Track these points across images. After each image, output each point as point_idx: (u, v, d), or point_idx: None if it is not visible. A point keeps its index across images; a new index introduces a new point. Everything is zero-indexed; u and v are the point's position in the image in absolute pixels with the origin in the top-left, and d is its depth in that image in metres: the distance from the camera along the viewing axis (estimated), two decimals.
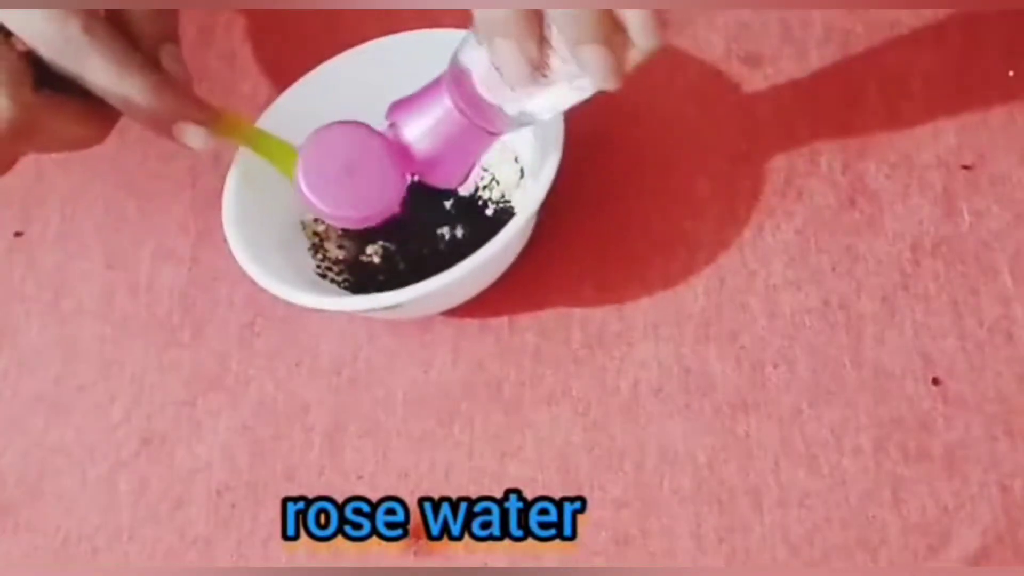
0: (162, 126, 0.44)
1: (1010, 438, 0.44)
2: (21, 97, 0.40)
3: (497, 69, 0.42)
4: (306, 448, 0.50)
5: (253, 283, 0.49)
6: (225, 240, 0.50)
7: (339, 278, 0.53)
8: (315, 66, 0.54)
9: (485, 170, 0.54)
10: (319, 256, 0.53)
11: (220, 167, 0.53)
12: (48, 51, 0.41)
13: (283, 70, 0.55)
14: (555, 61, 0.41)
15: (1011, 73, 0.52)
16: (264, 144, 0.49)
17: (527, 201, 0.47)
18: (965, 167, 0.50)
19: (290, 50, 0.62)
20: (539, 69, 0.41)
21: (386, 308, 0.48)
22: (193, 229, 0.57)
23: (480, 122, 0.44)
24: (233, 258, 0.49)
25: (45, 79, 0.42)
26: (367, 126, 0.46)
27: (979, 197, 0.49)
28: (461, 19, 0.52)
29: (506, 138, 0.53)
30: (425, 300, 0.48)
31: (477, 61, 0.43)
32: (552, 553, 0.45)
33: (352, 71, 0.54)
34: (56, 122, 0.42)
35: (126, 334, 0.55)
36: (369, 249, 0.54)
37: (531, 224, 0.48)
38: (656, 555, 0.44)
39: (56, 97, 0.42)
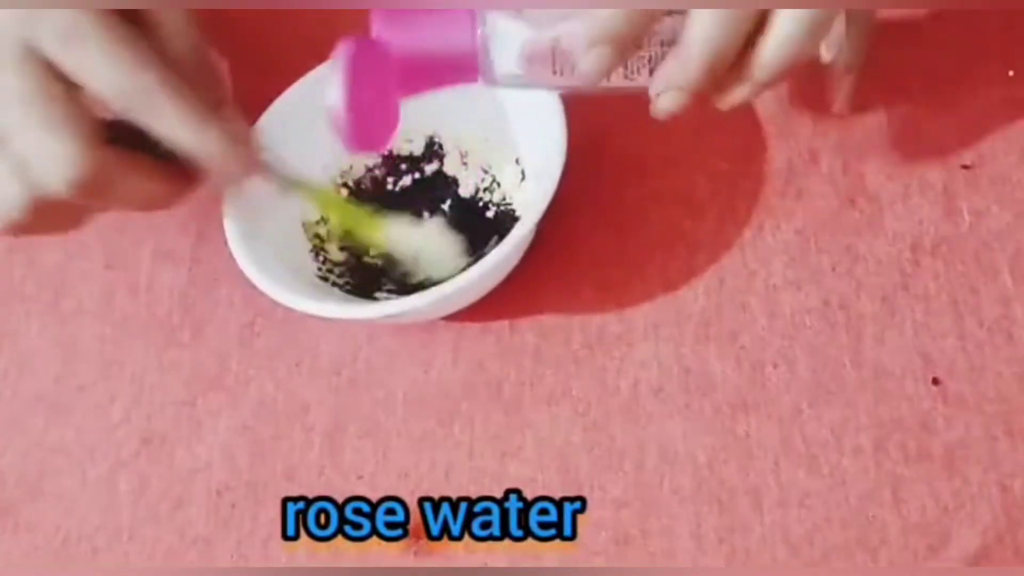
0: (236, 178, 0.43)
1: (1010, 438, 0.44)
2: (93, 150, 0.38)
3: (561, 53, 0.41)
4: (306, 448, 0.50)
5: (253, 283, 0.49)
6: (225, 240, 0.50)
7: (340, 280, 0.53)
8: (315, 66, 0.54)
9: (486, 171, 0.54)
10: (320, 259, 0.53)
11: None
12: (121, 102, 0.39)
13: (283, 70, 0.55)
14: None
15: (1011, 73, 0.52)
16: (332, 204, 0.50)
17: (530, 206, 0.47)
18: (965, 167, 0.50)
19: (290, 50, 0.62)
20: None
21: (387, 317, 0.48)
22: (193, 229, 0.57)
23: (476, 73, 0.42)
24: (233, 258, 0.49)
25: (115, 136, 0.41)
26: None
27: (979, 197, 0.49)
28: None
29: (508, 140, 0.53)
30: (427, 309, 0.48)
31: (514, 33, 0.41)
32: (552, 553, 0.45)
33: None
34: (130, 178, 0.41)
35: (126, 334, 0.55)
36: (372, 251, 0.54)
37: (534, 228, 0.48)
38: (656, 555, 0.44)
39: (128, 152, 0.40)
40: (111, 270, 0.57)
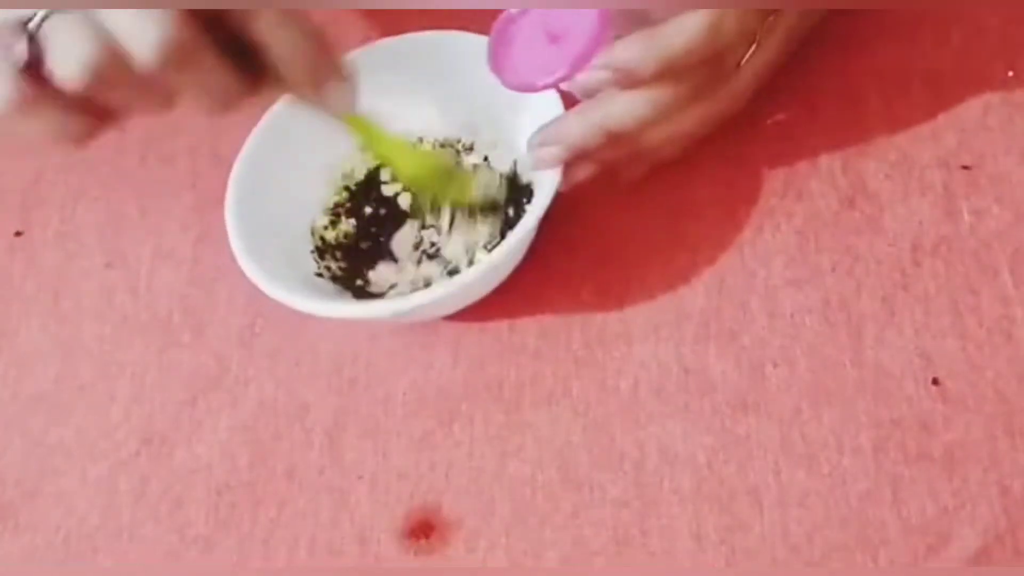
0: (316, 83, 0.43)
1: (1010, 438, 0.44)
2: (186, 22, 0.38)
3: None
4: (306, 448, 0.50)
5: (253, 283, 0.49)
6: (226, 240, 0.50)
7: (335, 265, 0.53)
8: None
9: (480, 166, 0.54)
10: (322, 260, 0.53)
11: (220, 167, 0.53)
12: None
13: None
14: None
15: (1011, 73, 0.52)
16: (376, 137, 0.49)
17: (531, 208, 0.48)
18: (965, 167, 0.50)
19: None
20: None
21: (392, 315, 0.48)
22: (193, 229, 0.57)
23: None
24: (233, 258, 0.49)
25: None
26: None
27: (979, 197, 0.49)
28: (463, 20, 0.53)
29: (506, 136, 0.53)
30: (430, 307, 0.48)
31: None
32: (552, 553, 0.45)
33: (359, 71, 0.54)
34: (212, 62, 0.40)
35: (126, 334, 0.55)
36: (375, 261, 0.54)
37: (534, 228, 0.48)
38: (656, 555, 0.44)
39: (213, 40, 0.40)
40: (111, 270, 0.57)
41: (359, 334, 0.53)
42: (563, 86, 0.48)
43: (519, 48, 0.47)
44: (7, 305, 0.58)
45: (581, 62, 0.45)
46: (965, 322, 0.46)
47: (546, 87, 0.47)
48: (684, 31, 0.44)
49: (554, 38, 0.46)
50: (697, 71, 0.46)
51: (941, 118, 0.52)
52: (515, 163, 0.53)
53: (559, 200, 0.48)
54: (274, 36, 0.40)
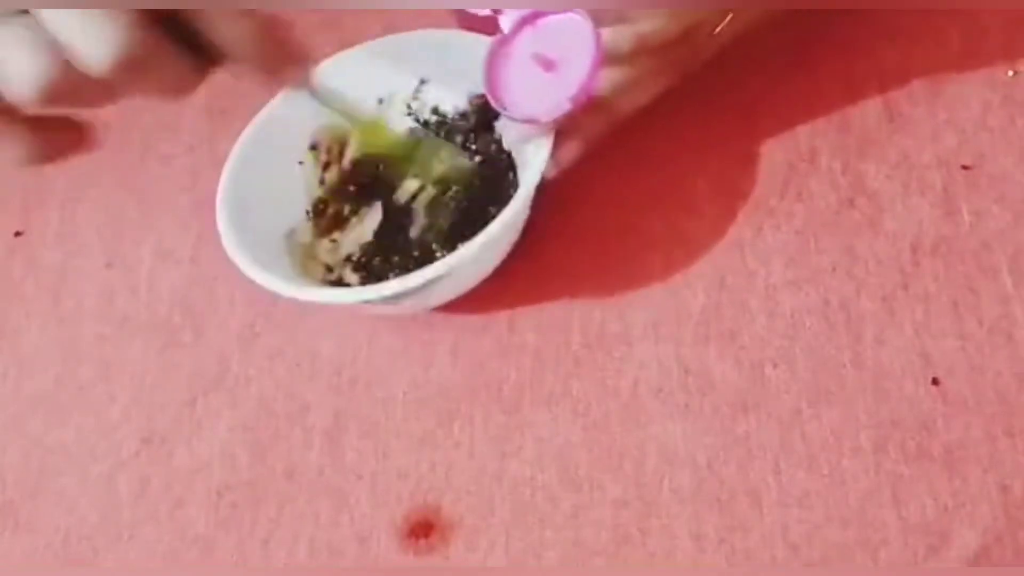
0: (272, 68, 0.43)
1: (1010, 438, 0.44)
2: (140, 29, 0.37)
3: None
4: (306, 448, 0.50)
5: (253, 283, 0.48)
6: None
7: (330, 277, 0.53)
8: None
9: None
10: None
11: (219, 168, 0.53)
12: None
13: None
14: None
15: (1011, 73, 0.52)
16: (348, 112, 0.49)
17: (518, 193, 0.47)
18: (965, 167, 0.50)
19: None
20: None
21: (387, 298, 0.47)
22: (193, 229, 0.57)
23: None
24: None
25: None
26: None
27: (979, 197, 0.49)
28: (462, 17, 0.53)
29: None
30: (424, 292, 0.48)
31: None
32: (552, 553, 0.45)
33: (352, 70, 0.54)
34: (165, 61, 0.39)
35: (126, 334, 0.55)
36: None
37: (524, 213, 0.48)
38: (656, 555, 0.44)
39: (165, 36, 0.39)
40: (111, 270, 0.57)
41: (359, 334, 0.53)
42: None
43: (514, 75, 0.48)
44: (7, 305, 0.58)
45: (582, 95, 0.46)
46: (965, 322, 0.46)
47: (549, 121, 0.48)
48: (654, 15, 0.46)
49: (548, 64, 0.47)
50: (669, 48, 0.47)
51: (941, 118, 0.52)
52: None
53: (559, 200, 0.48)
54: (228, 28, 0.40)
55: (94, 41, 0.37)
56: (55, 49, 0.37)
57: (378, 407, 0.50)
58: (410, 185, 0.52)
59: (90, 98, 0.39)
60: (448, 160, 0.51)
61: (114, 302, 0.56)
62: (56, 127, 0.40)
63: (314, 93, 0.46)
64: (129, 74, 0.38)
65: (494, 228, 0.46)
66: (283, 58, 0.43)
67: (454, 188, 0.51)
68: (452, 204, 0.51)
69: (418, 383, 0.51)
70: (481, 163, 0.54)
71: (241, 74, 0.43)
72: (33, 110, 0.38)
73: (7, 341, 0.57)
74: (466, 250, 0.46)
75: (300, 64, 0.43)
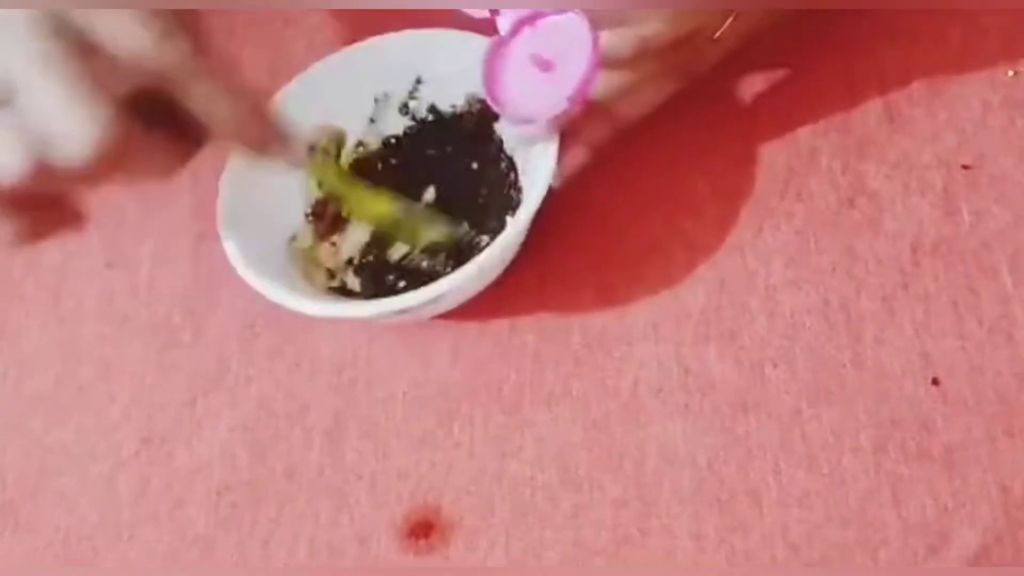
0: (258, 147, 0.43)
1: (1010, 438, 0.44)
2: (119, 119, 0.37)
3: None
4: (306, 448, 0.50)
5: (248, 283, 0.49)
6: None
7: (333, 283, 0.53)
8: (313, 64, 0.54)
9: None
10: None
11: (220, 167, 0.53)
12: (160, 68, 0.38)
13: (282, 70, 0.55)
14: None
15: (1011, 73, 0.52)
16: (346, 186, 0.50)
17: (524, 205, 0.47)
18: (965, 167, 0.50)
19: (289, 50, 0.62)
20: None
21: (393, 313, 0.48)
22: (193, 229, 0.57)
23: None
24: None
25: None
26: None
27: (979, 197, 0.49)
28: (459, 20, 0.53)
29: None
30: (425, 306, 0.48)
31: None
32: (552, 553, 0.45)
33: (348, 69, 0.54)
34: (145, 151, 0.40)
35: (126, 334, 0.55)
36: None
37: (526, 227, 0.48)
38: (656, 555, 0.44)
39: (148, 122, 0.40)
40: (111, 270, 0.57)
41: (359, 334, 0.53)
42: None
43: (512, 75, 0.48)
44: (7, 305, 0.58)
45: (579, 96, 0.46)
46: (965, 322, 0.46)
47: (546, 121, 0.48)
48: (655, 17, 0.46)
49: (545, 65, 0.47)
50: (670, 52, 0.47)
51: (941, 118, 0.52)
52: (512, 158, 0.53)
53: (558, 200, 0.48)
54: (210, 108, 0.40)
55: (73, 131, 0.36)
56: (35, 138, 0.37)
57: (378, 407, 0.50)
58: (400, 248, 0.53)
59: (72, 185, 0.39)
60: (438, 232, 0.51)
61: (114, 302, 0.56)
62: (43, 207, 0.40)
63: (303, 168, 0.46)
64: (110, 163, 0.38)
65: (501, 241, 0.46)
66: (270, 135, 0.43)
67: (442, 255, 0.51)
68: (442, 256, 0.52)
69: (418, 383, 0.51)
70: (481, 166, 0.54)
71: (227, 150, 0.43)
72: (18, 192, 0.38)
73: (7, 341, 0.57)
74: (472, 266, 0.46)
75: (287, 141, 0.44)
